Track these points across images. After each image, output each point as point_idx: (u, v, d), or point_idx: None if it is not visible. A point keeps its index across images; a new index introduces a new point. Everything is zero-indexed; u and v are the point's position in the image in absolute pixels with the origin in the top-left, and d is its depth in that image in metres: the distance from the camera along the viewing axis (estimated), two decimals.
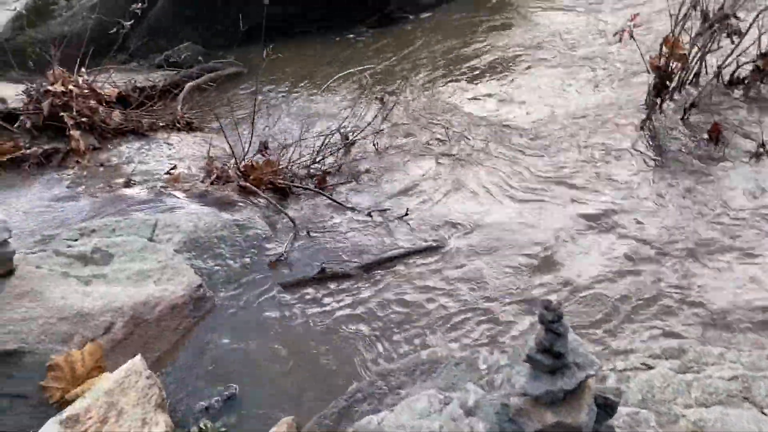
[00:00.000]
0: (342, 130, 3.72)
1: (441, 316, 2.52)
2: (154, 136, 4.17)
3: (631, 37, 3.74)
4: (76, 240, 3.02)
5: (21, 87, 4.79)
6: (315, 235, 3.10)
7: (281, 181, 3.42)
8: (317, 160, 3.57)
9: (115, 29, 4.40)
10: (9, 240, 2.48)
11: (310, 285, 2.79)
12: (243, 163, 3.52)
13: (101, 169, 3.81)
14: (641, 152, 3.36)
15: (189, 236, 3.06)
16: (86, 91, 4.15)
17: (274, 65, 5.20)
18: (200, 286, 2.80)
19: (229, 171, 3.50)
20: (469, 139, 3.63)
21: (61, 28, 5.63)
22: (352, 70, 4.56)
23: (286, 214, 3.20)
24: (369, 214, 3.12)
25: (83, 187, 3.65)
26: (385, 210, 3.14)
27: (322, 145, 3.63)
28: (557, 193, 3.13)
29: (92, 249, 2.91)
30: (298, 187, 3.41)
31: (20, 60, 5.57)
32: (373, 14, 5.33)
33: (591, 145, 3.48)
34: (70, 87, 4.07)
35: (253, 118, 3.53)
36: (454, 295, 2.60)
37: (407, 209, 3.09)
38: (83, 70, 4.42)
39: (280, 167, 3.52)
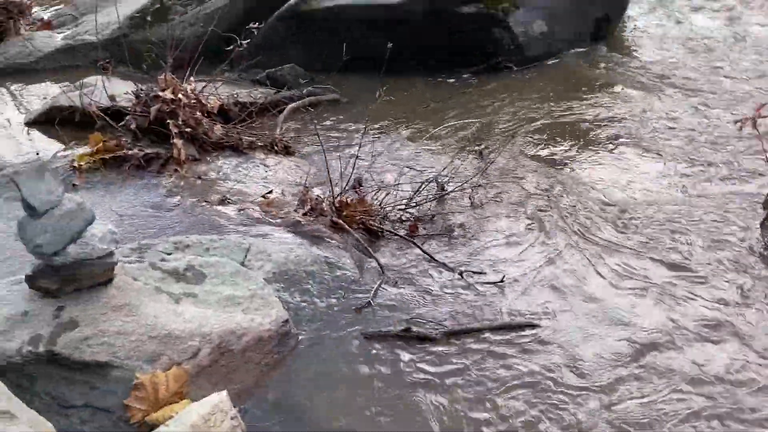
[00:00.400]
0: (439, 179, 3.67)
1: (520, 401, 2.40)
2: (252, 155, 4.22)
3: (754, 126, 3.57)
4: (170, 254, 3.05)
5: (129, 86, 4.99)
6: (402, 287, 3.04)
7: (373, 223, 3.39)
8: (411, 206, 3.53)
9: (231, 46, 4.50)
10: (114, 251, 2.51)
11: (393, 340, 2.73)
12: (338, 198, 3.50)
13: (198, 181, 3.86)
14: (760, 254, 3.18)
15: (279, 267, 3.05)
16: (193, 101, 4.24)
17: (371, 100, 5.25)
18: (287, 321, 2.78)
19: (323, 204, 3.49)
20: (573, 212, 3.52)
21: (172, 32, 5.80)
22: (455, 123, 4.53)
23: (376, 259, 3.16)
24: (461, 275, 3.05)
25: (179, 197, 3.71)
26: (478, 272, 3.06)
27: (417, 191, 3.59)
28: (665, 283, 2.98)
29: (186, 266, 2.93)
30: (390, 232, 3.37)
31: (131, 57, 5.80)
32: (478, 63, 5.30)
33: (702, 242, 3.30)
34: (180, 95, 4.17)
35: (357, 155, 3.52)
36: (540, 382, 2.48)
37: (503, 276, 3.00)
38: (192, 78, 4.52)
39: (373, 208, 3.49)
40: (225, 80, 5.32)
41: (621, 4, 5.80)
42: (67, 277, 2.47)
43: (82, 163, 3.98)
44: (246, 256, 3.12)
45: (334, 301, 2.95)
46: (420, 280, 3.08)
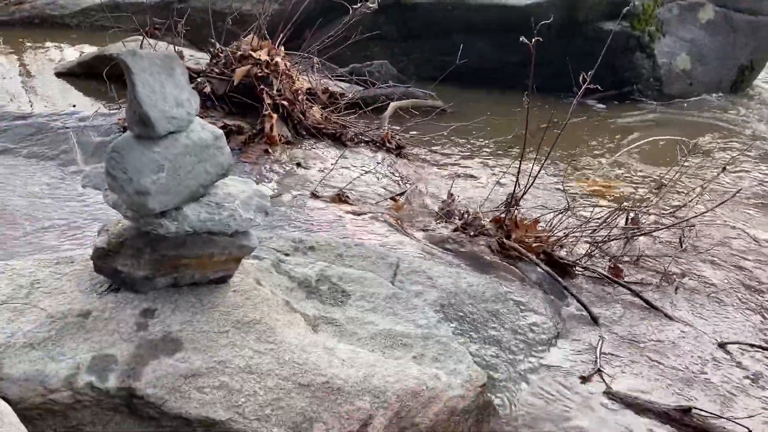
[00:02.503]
0: (635, 211, 2.71)
1: None
2: (356, 149, 3.23)
3: None
4: (287, 254, 2.00)
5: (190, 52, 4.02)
6: (630, 351, 2.03)
7: (560, 255, 2.39)
8: (599, 240, 2.55)
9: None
10: (255, 224, 1.46)
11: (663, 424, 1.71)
12: (502, 215, 2.51)
13: (298, 169, 2.84)
14: None
15: (448, 298, 2.02)
16: (288, 71, 3.27)
17: (479, 113, 4.35)
18: (484, 385, 1.73)
19: (483, 220, 2.49)
20: None
21: (241, 4, 4.88)
22: (600, 150, 3.61)
23: (585, 306, 2.15)
24: (722, 346, 2.05)
25: (276, 185, 2.68)
26: (750, 344, 2.07)
27: (603, 222, 2.63)
28: None
29: (318, 275, 1.89)
30: (587, 269, 2.37)
31: (185, 25, 4.83)
32: (609, 89, 4.45)
33: None
34: (276, 59, 3.19)
35: (519, 170, 2.53)
36: None
37: None
38: (281, 49, 3.56)
39: (549, 234, 2.51)
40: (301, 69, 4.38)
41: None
42: (167, 259, 1.41)
43: None
44: (396, 274, 2.09)
45: (538, 361, 1.92)
46: (652, 345, 2.07)
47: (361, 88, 4.28)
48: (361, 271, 1.99)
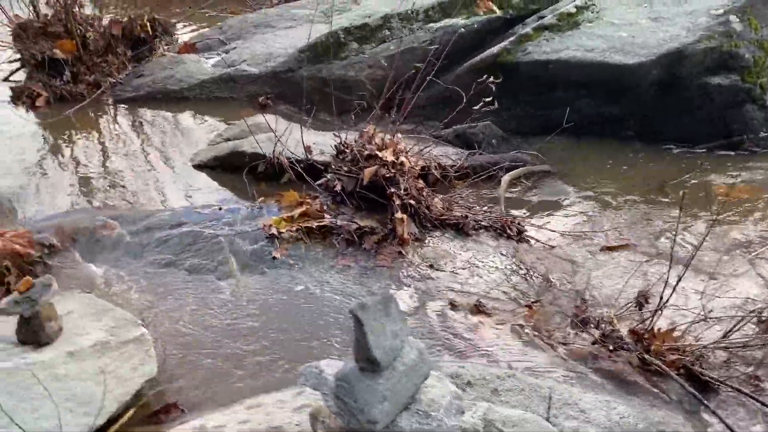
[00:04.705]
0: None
1: None
2: (478, 239, 3.39)
3: None
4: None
5: (316, 134, 4.26)
6: None
7: (699, 370, 2.48)
8: (735, 344, 2.62)
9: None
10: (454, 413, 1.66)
11: None
12: (639, 324, 2.62)
13: (431, 272, 3.04)
14: None
15: None
16: (414, 166, 3.45)
17: (583, 171, 4.42)
18: None
19: (621, 330, 2.61)
20: None
21: (345, 72, 5.11)
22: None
23: (731, 430, 2.25)
24: None
25: (414, 295, 2.89)
26: None
27: (735, 326, 2.68)
28: None
29: (483, 421, 2.08)
30: (726, 384, 2.46)
31: (294, 92, 5.11)
32: (715, 137, 4.41)
33: None
34: (402, 159, 3.39)
35: (672, 249, 2.61)
36: None
37: None
38: (399, 135, 3.75)
39: (686, 344, 2.60)
40: (405, 134, 4.56)
41: None
42: None
43: (282, 231, 3.21)
44: (549, 408, 2.25)
45: None
46: None
47: (466, 152, 4.42)
48: (520, 411, 2.17)
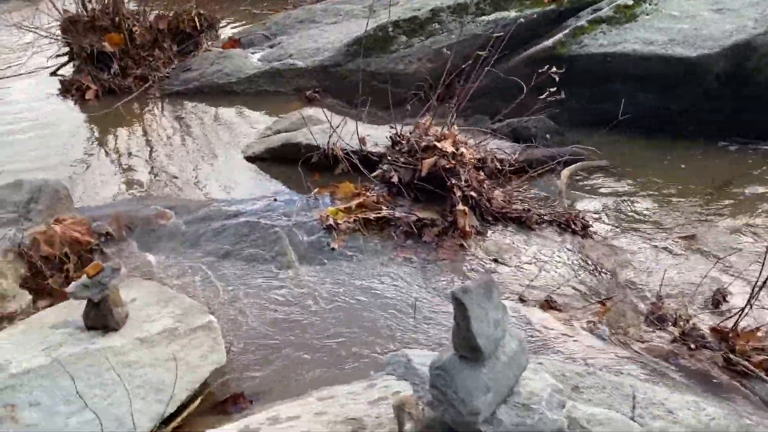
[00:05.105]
0: None
1: None
2: (541, 233, 3.28)
3: None
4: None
5: (368, 127, 4.19)
6: None
7: None
8: None
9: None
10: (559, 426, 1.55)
11: None
12: (721, 322, 2.49)
13: (496, 266, 2.94)
14: None
15: None
16: (475, 157, 3.36)
17: (641, 167, 4.26)
18: None
19: (702, 329, 2.48)
20: None
21: (394, 65, 5.03)
22: None
23: None
24: None
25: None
26: None
27: None
28: None
29: (567, 418, 1.97)
30: None
31: (340, 86, 5.05)
32: None
33: None
34: (462, 150, 3.29)
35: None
36: None
37: None
38: (455, 127, 3.65)
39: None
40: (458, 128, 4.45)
41: None
42: None
43: (339, 222, 3.13)
44: (634, 406, 2.13)
45: None
46: None
47: (520, 146, 4.31)
48: (605, 409, 2.06)
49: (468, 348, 1.39)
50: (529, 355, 2.16)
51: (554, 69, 3.56)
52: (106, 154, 4.29)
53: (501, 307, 1.44)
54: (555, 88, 3.55)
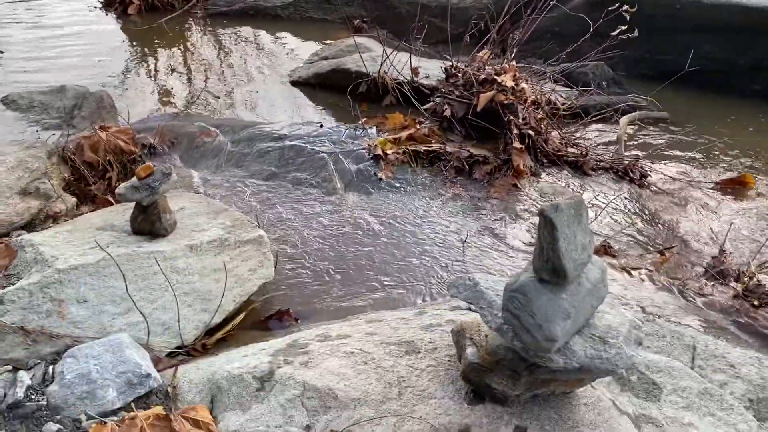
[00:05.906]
0: None
1: None
2: (596, 178, 3.14)
3: None
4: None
5: (419, 60, 4.02)
6: None
7: None
8: None
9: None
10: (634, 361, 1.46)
11: None
12: None
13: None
14: None
15: (756, 392, 1.94)
16: (535, 96, 3.20)
17: (707, 124, 4.05)
18: None
19: (764, 286, 2.36)
20: None
21: (451, 1, 4.81)
22: None
23: None
24: None
25: (531, 224, 2.68)
26: None
27: None
28: None
29: None
30: None
31: (390, 16, 4.86)
32: None
33: None
34: (522, 85, 3.13)
35: None
36: None
37: None
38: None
39: None
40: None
41: None
42: (540, 381, 1.46)
43: (388, 152, 3.02)
44: (693, 357, 2.04)
45: None
46: None
47: (576, 92, 4.12)
48: (665, 357, 1.97)
49: (551, 271, 1.29)
50: None
51: (625, 7, 3.34)
52: (148, 70, 4.18)
53: (589, 231, 1.34)
54: (627, 27, 3.32)
